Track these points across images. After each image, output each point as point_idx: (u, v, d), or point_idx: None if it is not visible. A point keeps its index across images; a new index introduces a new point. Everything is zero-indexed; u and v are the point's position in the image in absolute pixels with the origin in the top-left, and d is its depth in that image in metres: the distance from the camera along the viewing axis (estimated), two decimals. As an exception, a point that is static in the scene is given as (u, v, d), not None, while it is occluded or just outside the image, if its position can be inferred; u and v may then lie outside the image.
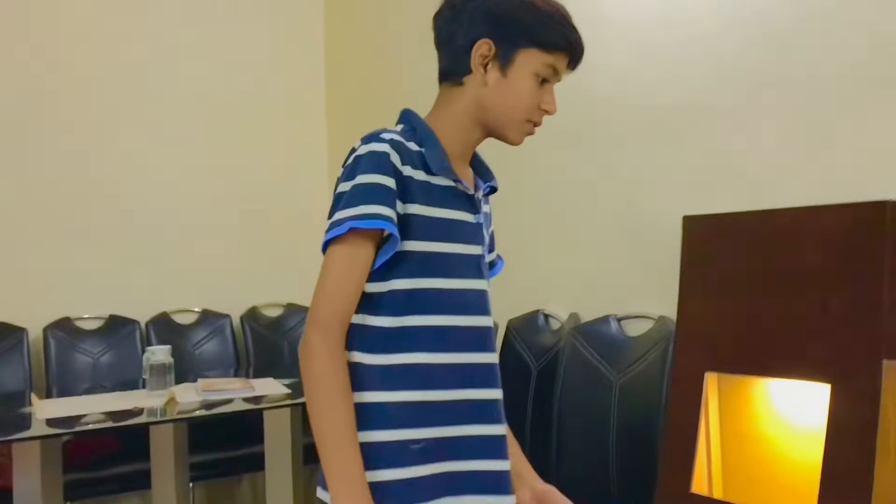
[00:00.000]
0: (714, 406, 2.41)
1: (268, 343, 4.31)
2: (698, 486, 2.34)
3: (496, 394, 1.42)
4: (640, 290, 2.87)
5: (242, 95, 4.44)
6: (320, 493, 1.33)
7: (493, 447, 1.40)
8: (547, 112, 1.38)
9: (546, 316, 3.25)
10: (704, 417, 2.38)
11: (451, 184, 1.36)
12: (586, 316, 3.03)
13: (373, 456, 1.28)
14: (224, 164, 4.38)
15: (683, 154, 2.75)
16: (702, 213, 2.45)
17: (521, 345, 3.28)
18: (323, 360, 1.27)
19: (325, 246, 1.30)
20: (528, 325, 3.30)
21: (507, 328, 3.36)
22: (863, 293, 2.00)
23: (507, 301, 3.39)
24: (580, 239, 3.15)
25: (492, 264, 1.55)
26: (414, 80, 2.89)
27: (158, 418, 2.69)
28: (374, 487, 1.27)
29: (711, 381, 2.40)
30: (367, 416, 1.29)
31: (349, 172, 1.30)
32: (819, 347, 2.10)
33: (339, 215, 1.28)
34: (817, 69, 2.39)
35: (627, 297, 2.91)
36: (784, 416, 2.32)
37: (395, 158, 1.29)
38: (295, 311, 4.41)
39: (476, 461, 1.37)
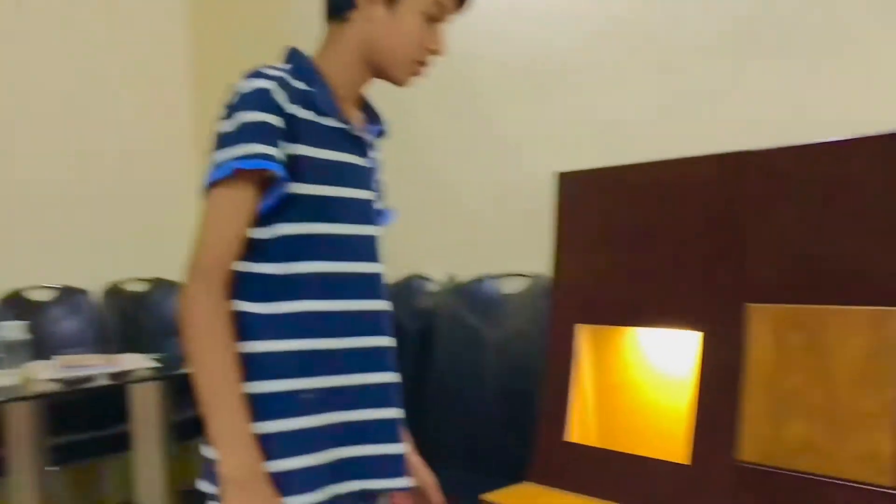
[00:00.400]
0: (588, 357, 2.46)
1: (133, 320, 4.10)
2: (574, 435, 2.39)
3: (387, 341, 1.39)
4: (516, 249, 2.90)
5: (101, 61, 4.18)
6: (204, 451, 1.26)
7: (384, 396, 1.37)
8: (435, 52, 1.34)
9: (422, 279, 3.24)
10: (578, 369, 2.44)
11: (340, 125, 1.31)
12: (463, 277, 3.04)
13: (260, 407, 1.22)
14: (81, 131, 4.11)
15: (556, 111, 2.79)
16: (574, 169, 2.50)
17: (399, 308, 3.24)
18: (204, 309, 1.19)
19: (207, 189, 1.22)
20: (404, 290, 3.27)
21: (383, 293, 3.33)
22: (726, 241, 2.09)
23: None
24: (455, 200, 3.15)
25: (382, 213, 1.50)
26: (295, 22, 2.79)
27: (12, 397, 2.51)
28: (263, 440, 1.21)
29: (584, 333, 2.45)
30: (253, 367, 1.23)
31: (231, 110, 1.22)
32: (686, 296, 2.18)
33: (220, 156, 1.20)
34: (685, 26, 2.47)
35: (503, 256, 2.93)
36: (655, 365, 2.41)
37: (280, 96, 1.23)
38: (162, 287, 4.21)
39: (368, 410, 1.33)
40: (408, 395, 3.09)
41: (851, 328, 1.81)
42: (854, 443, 1.76)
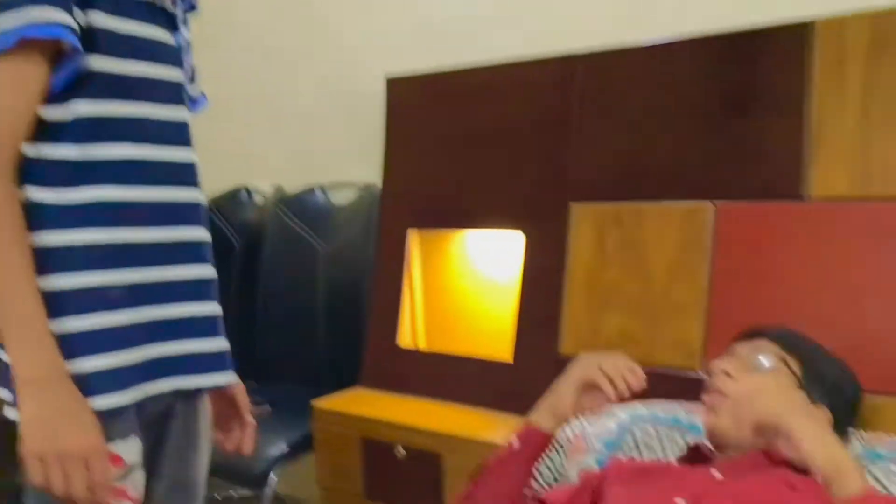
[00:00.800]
0: (417, 262, 2.45)
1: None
2: (404, 339, 2.40)
3: (203, 234, 1.29)
4: (346, 159, 2.81)
5: None
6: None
7: (201, 290, 1.28)
8: None
9: (249, 191, 3.09)
10: (408, 274, 2.42)
11: (144, -7, 1.17)
12: (292, 188, 2.93)
13: (59, 304, 1.10)
14: None
15: (388, 13, 2.69)
16: (406, 72, 2.43)
17: (224, 223, 3.11)
18: (-13, 195, 1.05)
19: (-12, 60, 1.06)
20: (229, 203, 3.11)
21: (209, 207, 3.15)
22: (551, 143, 2.11)
23: (206, 177, 3.16)
24: (282, 108, 3.01)
25: (193, 100, 1.38)
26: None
27: None
28: (64, 339, 1.09)
29: (414, 237, 2.43)
30: (48, 261, 1.10)
31: (13, -35, 1.06)
32: (512, 198, 2.20)
33: (3, 22, 1.05)
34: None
35: (333, 165, 2.84)
36: (484, 267, 2.43)
37: (71, -47, 1.08)
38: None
39: (183, 305, 1.24)
40: (237, 312, 2.99)
41: (666, 223, 1.87)
42: (668, 332, 1.84)
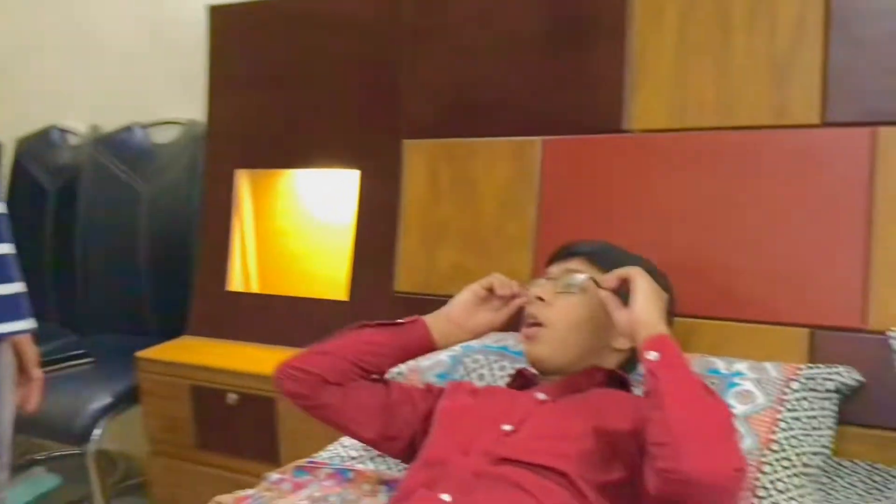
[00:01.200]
0: (248, 203, 2.36)
1: None
2: (234, 284, 2.31)
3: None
4: (167, 95, 2.63)
5: None
6: None
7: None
8: None
9: (62, 131, 2.85)
10: (238, 216, 2.33)
11: None
12: (109, 127, 2.73)
13: None
14: None
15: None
16: (228, 2, 2.30)
17: (35, 166, 2.86)
18: None
19: None
20: (40, 143, 2.86)
21: (17, 149, 2.90)
22: (384, 80, 2.05)
23: (13, 116, 2.91)
24: (98, 42, 2.77)
25: None
26: None
27: None
28: None
29: (243, 178, 2.33)
30: None
31: None
32: (345, 135, 2.13)
33: None
34: None
35: (153, 103, 2.65)
36: (317, 207, 2.36)
37: None
38: None
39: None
40: (53, 261, 2.78)
41: (496, 159, 1.88)
42: (500, 265, 1.84)
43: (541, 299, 1.33)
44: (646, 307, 1.14)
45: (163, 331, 2.36)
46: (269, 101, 2.24)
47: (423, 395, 1.37)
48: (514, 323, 1.69)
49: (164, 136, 2.62)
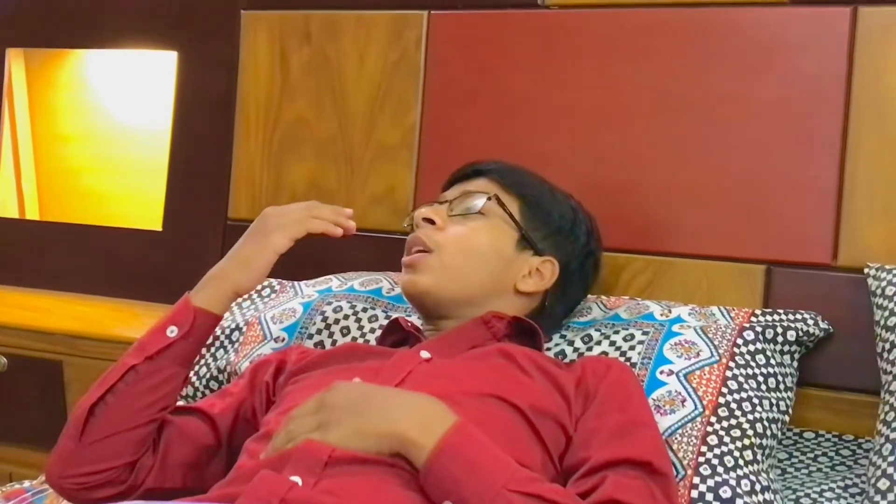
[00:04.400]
0: (22, 97, 2.31)
1: None
2: (3, 207, 2.28)
3: None
4: None
5: None
6: None
7: None
8: None
9: None
10: (9, 113, 2.28)
11: None
12: None
13: None
14: None
15: None
16: None
17: None
18: None
19: None
20: None
21: None
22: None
23: None
24: None
25: None
26: None
27: None
28: None
29: (16, 60, 2.27)
30: None
31: None
32: (159, 3, 2.08)
33: None
34: None
35: None
36: (118, 103, 2.31)
37: None
38: None
39: None
40: None
41: (368, 38, 1.86)
42: (370, 182, 1.84)
43: (430, 221, 1.33)
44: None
45: None
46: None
47: (247, 398, 1.33)
48: (388, 260, 1.69)
49: None
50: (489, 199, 1.34)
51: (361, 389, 1.11)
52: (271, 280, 1.73)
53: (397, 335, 1.38)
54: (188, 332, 1.27)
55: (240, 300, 1.70)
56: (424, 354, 1.25)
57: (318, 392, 1.14)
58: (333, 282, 1.67)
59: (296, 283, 1.71)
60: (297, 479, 1.01)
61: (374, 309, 1.59)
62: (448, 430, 1.02)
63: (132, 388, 1.25)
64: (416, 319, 1.44)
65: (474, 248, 1.31)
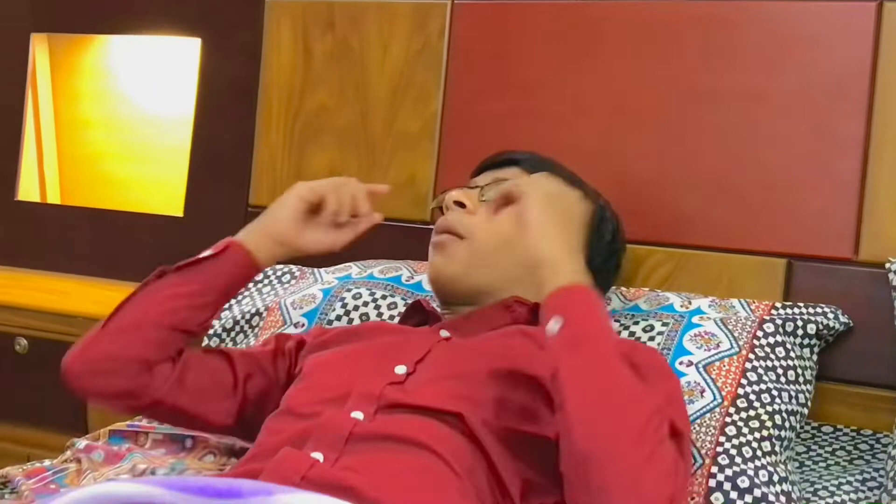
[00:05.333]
0: (45, 82, 2.31)
1: None
2: (25, 191, 2.27)
3: None
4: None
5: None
6: None
7: None
8: None
9: None
10: (32, 98, 2.27)
11: None
12: None
13: None
14: None
15: None
16: None
17: None
18: None
19: None
20: None
21: None
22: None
23: None
24: None
25: None
26: None
27: None
28: None
29: (40, 45, 2.27)
30: None
31: None
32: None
33: None
34: None
35: None
36: (141, 89, 2.31)
37: None
38: None
39: None
40: None
41: (391, 27, 1.86)
42: (391, 171, 1.84)
43: (461, 205, 1.33)
44: (543, 236, 1.11)
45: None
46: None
47: (269, 357, 1.35)
48: (408, 249, 1.69)
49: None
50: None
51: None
52: (291, 266, 1.75)
53: (419, 317, 1.39)
54: (219, 254, 1.30)
55: (259, 286, 1.72)
56: (444, 333, 1.26)
57: (340, 366, 1.18)
58: (353, 269, 1.67)
59: (315, 269, 1.72)
60: (318, 455, 1.02)
61: (393, 296, 1.60)
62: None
63: (156, 291, 1.28)
64: (436, 305, 1.44)
65: (505, 239, 1.30)
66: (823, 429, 1.47)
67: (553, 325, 1.04)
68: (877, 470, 1.38)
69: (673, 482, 1.01)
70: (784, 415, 1.33)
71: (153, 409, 1.29)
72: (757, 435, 1.29)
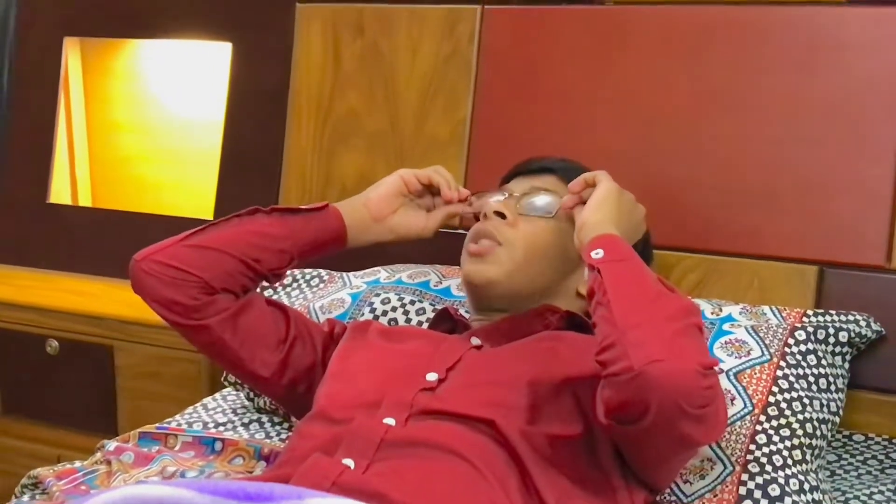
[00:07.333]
0: (78, 86, 2.32)
1: None
2: (58, 194, 2.28)
3: None
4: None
5: None
6: None
7: None
8: None
9: None
10: (65, 101, 2.28)
11: None
12: None
13: None
14: None
15: None
16: None
17: None
18: None
19: None
20: None
21: None
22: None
23: None
24: None
25: None
26: None
27: None
28: None
29: (72, 50, 2.28)
30: None
31: None
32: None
33: None
34: None
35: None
36: (172, 92, 2.32)
37: None
38: None
39: None
40: None
41: (421, 31, 1.86)
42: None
43: (501, 215, 1.32)
44: (600, 208, 1.22)
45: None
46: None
47: (322, 334, 1.37)
48: (436, 254, 1.69)
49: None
50: (561, 200, 1.33)
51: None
52: (319, 270, 1.75)
53: (447, 324, 1.39)
54: (314, 210, 1.35)
55: (288, 289, 1.73)
56: (475, 341, 1.26)
57: (372, 370, 1.22)
58: (381, 273, 1.67)
59: (344, 273, 1.72)
60: (349, 461, 1.03)
61: (421, 301, 1.59)
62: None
63: (244, 224, 1.32)
64: (464, 312, 1.44)
65: (544, 250, 1.31)
66: (855, 437, 1.47)
67: (597, 252, 1.14)
68: (907, 477, 1.38)
69: (707, 356, 1.06)
70: (815, 423, 1.32)
71: (198, 333, 1.31)
72: (788, 443, 1.28)
